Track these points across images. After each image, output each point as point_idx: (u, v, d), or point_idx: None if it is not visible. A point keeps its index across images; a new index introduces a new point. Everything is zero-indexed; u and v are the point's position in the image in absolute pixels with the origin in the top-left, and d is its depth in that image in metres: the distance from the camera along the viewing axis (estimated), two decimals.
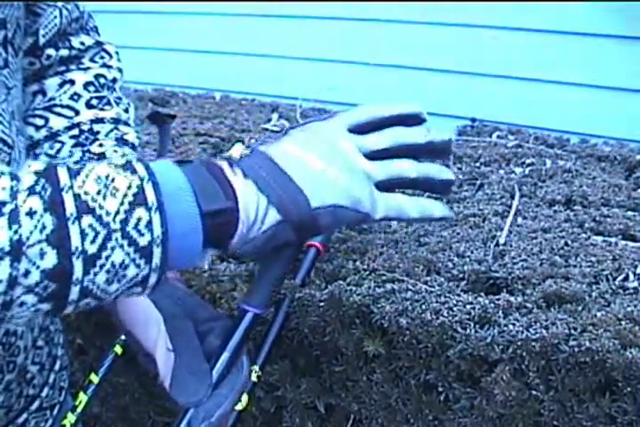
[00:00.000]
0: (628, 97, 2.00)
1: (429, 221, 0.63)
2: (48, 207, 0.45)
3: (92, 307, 0.50)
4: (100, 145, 0.74)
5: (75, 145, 0.74)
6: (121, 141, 0.75)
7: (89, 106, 0.76)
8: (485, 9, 2.14)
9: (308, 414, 0.95)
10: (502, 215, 1.12)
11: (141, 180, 0.48)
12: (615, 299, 0.85)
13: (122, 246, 0.47)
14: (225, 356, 0.63)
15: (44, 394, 0.73)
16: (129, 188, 0.48)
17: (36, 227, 0.44)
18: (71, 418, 0.75)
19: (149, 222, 0.48)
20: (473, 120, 1.74)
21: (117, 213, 0.47)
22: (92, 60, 0.78)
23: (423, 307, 0.84)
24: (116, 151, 0.74)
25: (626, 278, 0.90)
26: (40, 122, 0.74)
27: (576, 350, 0.76)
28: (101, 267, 0.47)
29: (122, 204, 0.47)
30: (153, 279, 0.50)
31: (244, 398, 0.68)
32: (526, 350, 0.78)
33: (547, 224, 1.07)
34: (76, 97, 0.75)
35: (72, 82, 0.76)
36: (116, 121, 0.76)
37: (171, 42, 2.72)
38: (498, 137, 1.56)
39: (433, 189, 0.63)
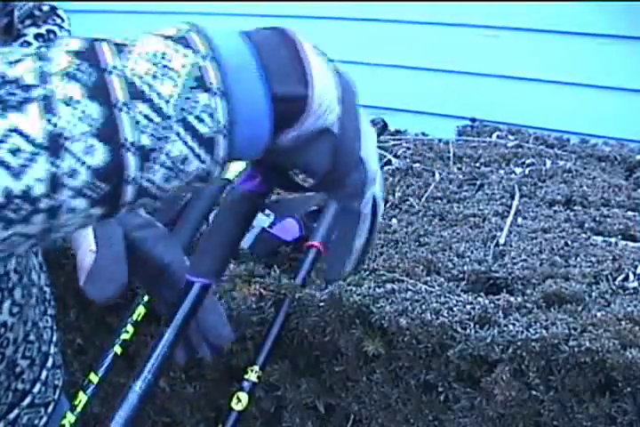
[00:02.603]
0: (628, 97, 2.00)
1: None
2: (91, 94, 0.38)
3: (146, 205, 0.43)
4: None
5: None
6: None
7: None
8: (485, 9, 2.14)
9: (308, 414, 0.95)
10: (502, 215, 1.12)
11: (204, 57, 0.41)
12: (615, 299, 0.85)
13: (181, 137, 0.40)
14: (169, 333, 0.58)
15: (35, 390, 0.73)
16: (186, 67, 0.40)
17: (77, 117, 0.37)
18: (71, 418, 0.75)
19: (213, 109, 0.41)
20: (473, 120, 1.74)
21: (174, 97, 0.39)
22: (45, 21, 0.84)
23: (423, 307, 0.84)
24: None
25: (626, 278, 0.90)
26: None
27: (576, 350, 0.76)
28: (159, 162, 0.40)
29: (181, 86, 0.40)
30: (216, 173, 0.43)
31: (244, 397, 0.68)
32: (526, 350, 0.78)
33: (547, 224, 1.07)
34: (25, 44, 0.79)
35: (24, 35, 0.80)
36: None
37: None
38: (498, 137, 1.56)
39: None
